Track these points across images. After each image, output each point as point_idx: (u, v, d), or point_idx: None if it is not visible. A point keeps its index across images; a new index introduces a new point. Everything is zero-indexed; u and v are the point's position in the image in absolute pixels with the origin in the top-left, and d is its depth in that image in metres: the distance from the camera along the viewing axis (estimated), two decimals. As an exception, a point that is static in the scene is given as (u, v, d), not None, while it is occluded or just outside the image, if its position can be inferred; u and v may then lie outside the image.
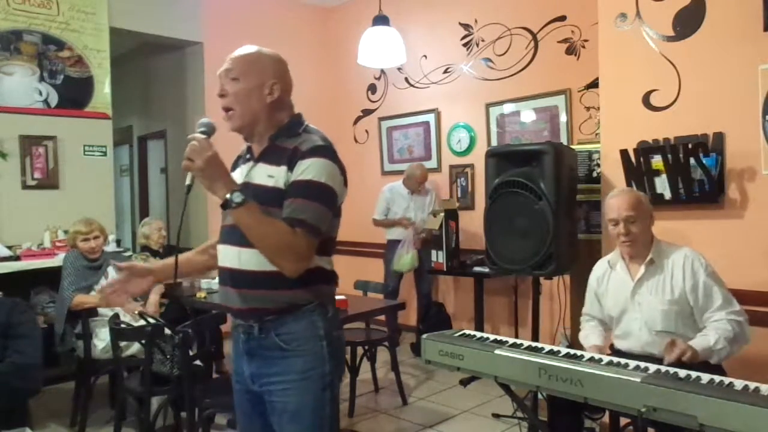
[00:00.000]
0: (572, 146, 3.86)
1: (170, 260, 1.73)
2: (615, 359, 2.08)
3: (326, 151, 1.58)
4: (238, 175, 1.66)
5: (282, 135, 1.63)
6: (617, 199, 2.43)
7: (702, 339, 2.19)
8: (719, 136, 2.78)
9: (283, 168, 1.55)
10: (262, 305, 1.59)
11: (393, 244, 5.22)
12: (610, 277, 2.56)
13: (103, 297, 1.80)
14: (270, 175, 1.57)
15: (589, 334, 2.59)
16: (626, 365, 1.98)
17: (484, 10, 5.17)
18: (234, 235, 1.58)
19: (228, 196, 1.47)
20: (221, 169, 1.50)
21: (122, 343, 3.16)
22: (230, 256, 1.62)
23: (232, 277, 1.62)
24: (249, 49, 1.66)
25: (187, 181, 1.52)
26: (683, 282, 2.34)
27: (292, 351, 1.60)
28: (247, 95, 1.60)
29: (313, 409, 1.61)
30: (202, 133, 1.53)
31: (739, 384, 1.78)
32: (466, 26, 5.32)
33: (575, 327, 3.49)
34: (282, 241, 1.48)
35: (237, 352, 1.71)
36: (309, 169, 1.53)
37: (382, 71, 6.01)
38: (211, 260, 1.80)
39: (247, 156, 1.69)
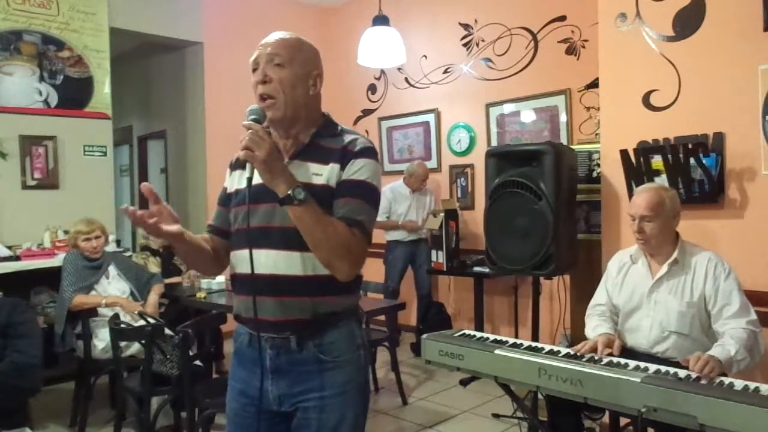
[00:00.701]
0: (572, 146, 3.86)
1: (193, 235, 1.57)
2: (615, 359, 2.08)
3: (374, 152, 1.52)
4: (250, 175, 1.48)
5: (323, 134, 1.54)
6: (639, 197, 2.41)
7: (722, 349, 2.09)
8: (719, 136, 2.77)
9: (335, 165, 1.46)
10: (305, 315, 1.46)
11: (393, 245, 5.25)
12: (629, 270, 2.52)
13: (143, 220, 1.39)
14: (316, 173, 1.47)
15: (599, 325, 2.48)
16: (626, 365, 1.98)
17: (484, 10, 5.18)
18: (270, 238, 1.45)
19: (290, 192, 1.33)
20: (282, 161, 1.39)
21: (122, 343, 3.16)
22: (267, 261, 1.46)
23: (270, 285, 1.45)
24: (290, 34, 1.54)
25: (247, 174, 1.38)
26: (704, 284, 2.31)
27: (332, 362, 1.50)
28: (293, 84, 1.48)
29: (352, 423, 1.52)
30: (254, 121, 1.39)
31: (739, 384, 1.78)
32: (466, 26, 5.32)
33: (575, 327, 3.49)
34: (342, 242, 1.38)
35: (257, 372, 1.50)
36: (363, 170, 1.47)
37: (382, 71, 6.01)
38: (210, 254, 1.61)
39: None
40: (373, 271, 5.27)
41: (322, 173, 1.47)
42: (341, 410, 1.50)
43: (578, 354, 2.18)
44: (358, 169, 1.46)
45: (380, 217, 5.23)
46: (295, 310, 1.46)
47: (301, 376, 1.50)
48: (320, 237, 1.37)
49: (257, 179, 1.38)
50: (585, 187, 3.45)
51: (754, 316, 2.24)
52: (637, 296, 2.45)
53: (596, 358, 2.12)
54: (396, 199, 5.23)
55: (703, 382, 1.83)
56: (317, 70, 1.56)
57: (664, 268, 2.39)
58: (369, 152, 1.50)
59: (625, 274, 2.53)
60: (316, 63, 1.57)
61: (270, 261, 1.46)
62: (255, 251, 1.43)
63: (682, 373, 1.88)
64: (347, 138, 1.52)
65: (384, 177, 5.98)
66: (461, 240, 4.78)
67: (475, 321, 4.53)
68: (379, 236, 5.39)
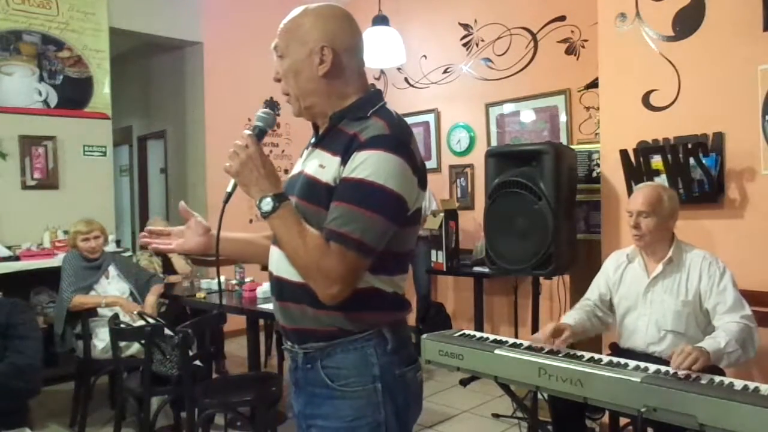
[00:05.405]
0: (572, 146, 3.86)
1: (235, 235, 1.50)
2: (615, 359, 2.08)
3: (391, 141, 1.21)
4: (300, 162, 1.39)
5: (346, 116, 1.29)
6: (638, 192, 2.44)
7: (712, 341, 2.09)
8: (719, 136, 2.77)
9: (337, 159, 1.23)
10: (306, 325, 1.28)
11: None
12: (626, 269, 2.53)
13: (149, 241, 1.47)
14: (322, 165, 1.25)
15: (570, 315, 2.48)
16: (626, 365, 1.98)
17: (484, 10, 5.17)
18: None
19: (257, 203, 1.22)
20: (258, 171, 1.22)
21: (122, 343, 3.16)
22: (273, 260, 1.33)
23: (277, 287, 1.33)
24: (295, 13, 1.33)
25: (228, 189, 1.28)
26: (699, 282, 2.31)
27: (339, 391, 1.27)
28: (296, 74, 1.29)
29: None
30: (258, 129, 1.28)
31: (739, 384, 1.78)
32: (465, 26, 5.32)
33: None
34: (309, 260, 1.18)
35: (291, 380, 1.41)
36: (364, 165, 1.19)
37: (382, 71, 6.00)
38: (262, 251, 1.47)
39: (312, 139, 1.39)
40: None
41: (326, 165, 1.25)
42: None
43: (533, 347, 2.21)
44: (358, 165, 1.19)
45: None
46: (298, 318, 1.30)
47: (313, 398, 1.32)
48: (289, 252, 1.23)
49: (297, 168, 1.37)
50: (585, 187, 3.46)
51: (748, 311, 2.24)
52: (633, 296, 2.46)
53: (596, 358, 2.11)
54: None
55: (702, 381, 1.83)
56: (323, 41, 1.28)
57: (659, 267, 2.40)
58: (379, 141, 1.20)
59: (622, 274, 2.54)
60: (321, 34, 1.29)
61: (275, 260, 1.32)
62: (273, 249, 1.34)
63: (682, 373, 1.88)
64: (366, 122, 1.26)
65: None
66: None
67: (475, 321, 4.52)
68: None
